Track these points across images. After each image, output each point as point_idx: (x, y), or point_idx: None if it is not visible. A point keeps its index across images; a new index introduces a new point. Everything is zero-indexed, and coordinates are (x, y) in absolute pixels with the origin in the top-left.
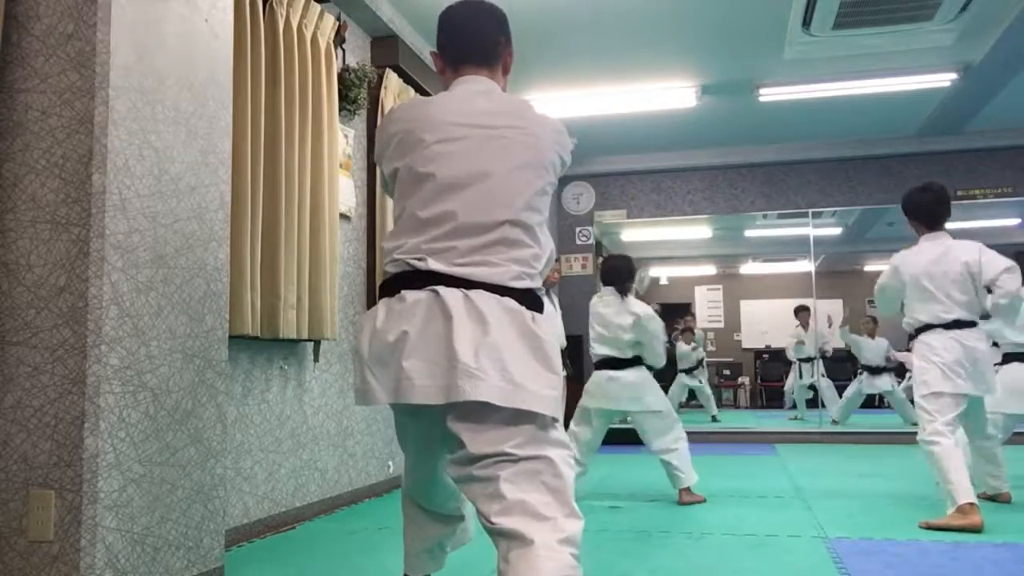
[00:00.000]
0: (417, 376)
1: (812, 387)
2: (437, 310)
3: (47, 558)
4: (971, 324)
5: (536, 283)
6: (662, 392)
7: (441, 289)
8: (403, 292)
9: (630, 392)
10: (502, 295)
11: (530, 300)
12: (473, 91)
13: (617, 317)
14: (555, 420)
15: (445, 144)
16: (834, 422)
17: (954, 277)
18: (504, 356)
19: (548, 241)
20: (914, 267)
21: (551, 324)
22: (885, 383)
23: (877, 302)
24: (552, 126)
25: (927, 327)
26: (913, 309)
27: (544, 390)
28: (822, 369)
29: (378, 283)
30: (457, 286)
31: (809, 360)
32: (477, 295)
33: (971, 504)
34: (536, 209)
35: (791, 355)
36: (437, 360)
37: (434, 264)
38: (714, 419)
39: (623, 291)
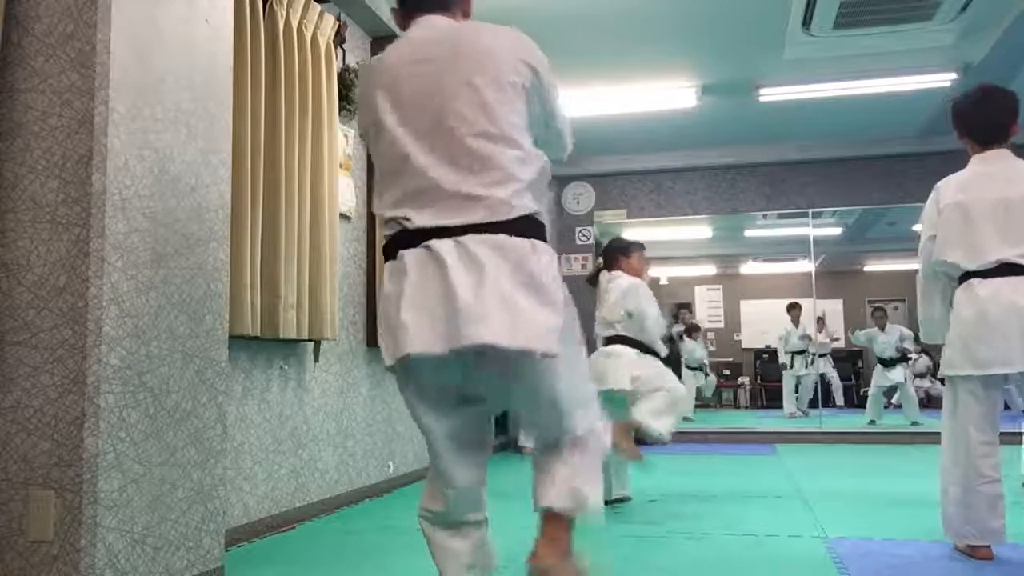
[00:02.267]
0: (416, 328)
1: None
2: (431, 263)
3: (47, 558)
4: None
5: (528, 199)
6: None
7: (433, 243)
8: (400, 252)
9: None
10: (495, 232)
11: (527, 227)
12: (421, 29)
13: None
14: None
15: (396, 87)
16: (872, 422)
17: (1013, 205)
18: (504, 296)
19: (535, 149)
20: (955, 191)
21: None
22: (897, 374)
23: (922, 253)
24: (508, 35)
25: (965, 276)
26: (946, 252)
27: (544, 326)
28: (808, 363)
29: (379, 254)
30: (447, 236)
31: (801, 353)
32: (469, 240)
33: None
34: (506, 119)
35: (781, 354)
36: (436, 311)
37: (419, 220)
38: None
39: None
